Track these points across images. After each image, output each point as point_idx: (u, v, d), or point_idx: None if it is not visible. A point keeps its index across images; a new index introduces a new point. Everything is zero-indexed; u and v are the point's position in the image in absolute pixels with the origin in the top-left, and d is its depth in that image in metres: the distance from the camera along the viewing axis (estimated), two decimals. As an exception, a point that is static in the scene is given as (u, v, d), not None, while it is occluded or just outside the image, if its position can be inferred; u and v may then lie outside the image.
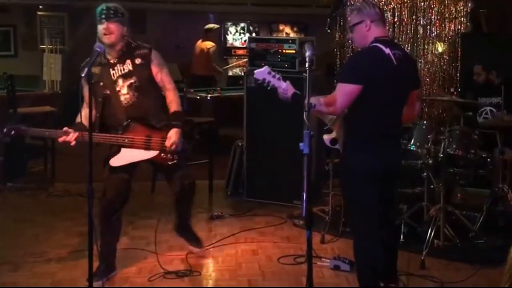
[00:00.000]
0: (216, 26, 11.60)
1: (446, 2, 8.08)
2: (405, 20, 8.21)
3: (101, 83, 4.72)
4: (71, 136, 4.62)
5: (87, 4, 12.25)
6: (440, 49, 8.24)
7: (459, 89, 7.61)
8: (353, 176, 4.19)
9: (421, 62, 8.23)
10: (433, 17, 8.15)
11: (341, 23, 9.13)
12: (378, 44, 4.13)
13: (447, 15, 8.10)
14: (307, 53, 3.84)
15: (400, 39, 8.23)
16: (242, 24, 14.62)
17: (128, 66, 4.73)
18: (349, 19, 4.55)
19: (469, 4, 8.10)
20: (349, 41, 8.95)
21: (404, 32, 8.23)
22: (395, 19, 8.25)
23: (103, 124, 4.75)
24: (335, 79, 8.40)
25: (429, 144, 5.69)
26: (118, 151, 4.73)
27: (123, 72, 4.72)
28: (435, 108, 8.04)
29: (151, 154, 4.73)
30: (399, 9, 8.25)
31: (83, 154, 3.95)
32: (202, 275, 5.06)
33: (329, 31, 10.32)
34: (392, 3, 8.22)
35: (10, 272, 5.09)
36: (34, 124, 4.77)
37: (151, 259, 5.35)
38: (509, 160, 6.10)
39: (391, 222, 4.66)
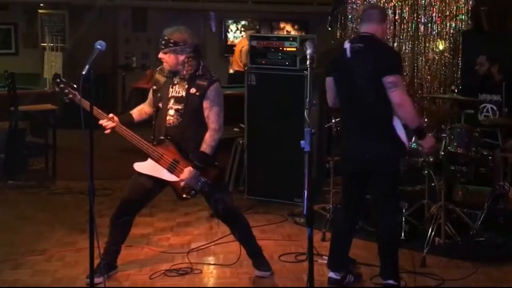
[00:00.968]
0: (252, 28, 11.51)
1: (447, 0, 8.08)
2: (406, 17, 8.22)
3: (159, 94, 4.75)
4: (109, 125, 4.66)
5: (88, 2, 12.28)
6: (441, 47, 8.24)
7: (460, 87, 7.61)
8: None
9: (422, 59, 8.23)
10: (434, 14, 8.15)
11: (342, 21, 9.13)
12: (347, 40, 4.55)
13: (448, 13, 8.10)
14: (308, 51, 3.83)
15: (401, 36, 8.23)
16: (243, 22, 14.61)
17: (182, 91, 4.69)
18: None
19: (470, 2, 8.09)
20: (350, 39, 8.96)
21: (405, 30, 8.23)
22: (396, 17, 8.25)
23: (154, 133, 4.78)
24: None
25: (430, 142, 5.69)
26: (145, 159, 4.75)
27: (177, 94, 4.71)
28: (436, 106, 8.04)
29: (172, 178, 4.71)
30: (400, 7, 8.25)
31: (84, 151, 3.95)
32: (203, 273, 5.06)
33: (330, 29, 10.33)
34: (393, 1, 8.22)
35: (11, 269, 5.09)
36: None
37: (152, 256, 5.36)
38: (510, 158, 6.10)
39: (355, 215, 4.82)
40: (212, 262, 5.30)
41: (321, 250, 5.40)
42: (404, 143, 4.49)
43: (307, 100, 3.75)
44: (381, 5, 8.12)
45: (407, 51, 8.19)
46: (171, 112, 4.70)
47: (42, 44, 11.87)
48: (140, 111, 4.92)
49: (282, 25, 14.83)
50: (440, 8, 8.12)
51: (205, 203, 6.43)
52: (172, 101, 4.71)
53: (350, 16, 8.77)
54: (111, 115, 4.69)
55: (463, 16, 8.04)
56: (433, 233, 5.37)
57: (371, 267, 5.05)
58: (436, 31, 8.15)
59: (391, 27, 8.27)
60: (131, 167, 4.78)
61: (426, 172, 5.75)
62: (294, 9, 14.11)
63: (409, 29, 8.23)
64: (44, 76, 10.34)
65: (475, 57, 7.24)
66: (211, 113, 4.66)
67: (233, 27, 14.61)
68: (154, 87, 4.82)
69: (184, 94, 4.68)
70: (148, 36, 13.72)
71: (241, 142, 7.36)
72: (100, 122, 4.64)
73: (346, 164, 4.71)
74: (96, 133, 3.92)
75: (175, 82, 4.73)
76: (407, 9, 8.20)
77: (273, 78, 6.94)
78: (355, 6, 8.40)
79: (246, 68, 10.75)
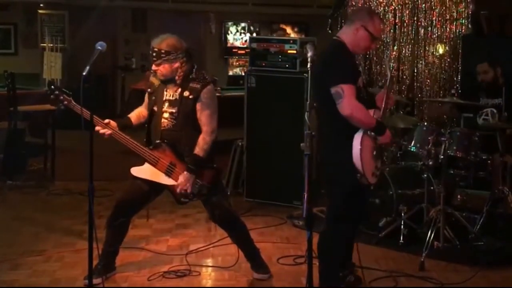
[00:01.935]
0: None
1: (447, 3, 8.07)
2: (406, 21, 8.20)
3: (154, 97, 4.77)
4: (106, 131, 4.65)
5: (88, 3, 12.28)
6: (441, 51, 8.23)
7: (459, 91, 7.61)
8: None
9: (421, 63, 8.23)
10: (434, 18, 8.13)
11: (342, 23, 9.11)
12: None
13: (448, 17, 8.09)
14: (309, 54, 3.82)
15: (401, 40, 8.23)
16: (242, 24, 14.62)
17: (176, 94, 4.70)
18: None
19: (470, 6, 8.09)
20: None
21: (405, 33, 8.22)
22: (396, 20, 8.24)
23: (148, 136, 4.80)
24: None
25: (429, 146, 5.69)
26: (143, 163, 4.73)
27: (170, 98, 4.72)
28: (433, 111, 8.04)
29: (169, 181, 4.70)
30: (400, 10, 8.23)
31: (83, 152, 3.95)
32: (201, 275, 5.06)
33: (330, 31, 10.33)
34: (393, 4, 8.20)
35: (9, 270, 5.08)
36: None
37: (151, 258, 5.36)
38: (510, 162, 6.10)
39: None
40: (211, 264, 5.29)
41: (319, 253, 5.39)
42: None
43: (308, 102, 3.75)
44: (382, 8, 8.12)
45: (407, 54, 8.19)
46: (166, 115, 4.71)
47: (42, 44, 11.86)
48: (138, 115, 4.92)
49: (282, 27, 14.83)
50: (440, 12, 8.11)
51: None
52: (166, 104, 4.71)
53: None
54: (107, 120, 4.67)
55: (463, 20, 8.03)
56: (432, 237, 5.37)
57: (369, 270, 5.04)
58: (436, 34, 8.14)
59: (391, 31, 8.26)
60: (130, 168, 4.78)
61: (425, 175, 5.75)
62: (294, 11, 14.12)
63: (409, 33, 8.22)
64: (43, 77, 10.31)
65: (475, 61, 7.24)
66: (203, 116, 4.66)
67: (233, 29, 14.61)
68: (149, 90, 4.83)
69: (177, 97, 4.68)
70: (148, 37, 13.60)
71: (240, 144, 7.36)
72: (97, 129, 4.62)
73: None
74: (95, 134, 3.92)
75: (170, 86, 4.74)
76: (407, 12, 8.19)
77: (273, 81, 6.94)
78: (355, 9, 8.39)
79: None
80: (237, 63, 14.43)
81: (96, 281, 4.29)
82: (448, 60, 8.19)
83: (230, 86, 11.90)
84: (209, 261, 5.36)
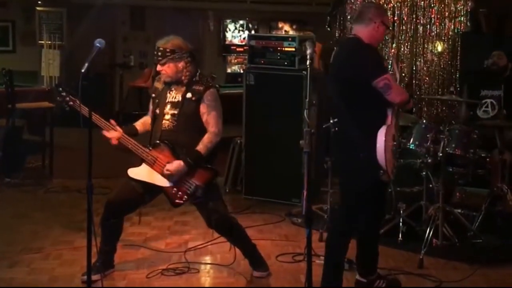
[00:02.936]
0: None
1: (446, 1, 8.07)
2: (405, 18, 8.20)
3: (157, 100, 4.78)
4: (114, 135, 4.63)
5: (86, 0, 12.25)
6: (439, 48, 8.23)
7: (458, 88, 7.61)
8: None
9: (420, 61, 8.23)
10: (433, 16, 8.14)
11: (341, 21, 9.13)
12: None
13: (447, 14, 8.09)
14: (308, 51, 3.82)
15: (399, 38, 8.23)
16: (241, 22, 14.60)
17: (179, 96, 4.71)
18: None
19: (469, 4, 8.09)
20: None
21: (404, 31, 8.22)
22: (395, 18, 8.24)
23: (150, 138, 4.79)
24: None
25: (428, 143, 5.68)
26: (139, 164, 4.72)
27: (173, 100, 4.73)
28: (435, 107, 8.04)
29: (165, 183, 4.69)
30: (399, 8, 8.24)
31: (82, 150, 3.94)
32: (200, 273, 5.05)
33: (329, 29, 10.32)
34: (392, 2, 8.20)
35: (7, 268, 5.08)
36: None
37: (149, 256, 5.35)
38: (509, 160, 6.10)
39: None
40: (209, 262, 5.29)
41: (318, 251, 5.38)
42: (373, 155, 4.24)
43: (307, 100, 3.75)
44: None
45: (405, 52, 8.19)
46: (167, 116, 4.71)
47: (40, 41, 11.83)
48: (144, 123, 4.90)
49: (280, 25, 14.82)
50: (439, 9, 8.11)
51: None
52: (168, 106, 4.72)
53: (349, 17, 8.76)
54: (112, 121, 4.67)
55: (462, 18, 8.04)
56: (430, 235, 5.37)
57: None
58: (435, 32, 8.14)
59: (390, 28, 8.25)
60: (128, 166, 4.77)
61: (424, 173, 5.75)
62: (292, 9, 14.11)
63: (408, 30, 8.22)
64: (41, 74, 10.31)
65: (474, 59, 7.23)
66: (209, 117, 4.68)
67: (231, 26, 14.59)
68: (153, 95, 4.83)
69: (180, 99, 4.69)
70: (146, 35, 13.69)
71: (239, 141, 7.35)
72: (104, 133, 4.61)
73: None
74: (93, 131, 3.90)
75: (173, 88, 4.75)
76: (406, 10, 8.19)
77: (271, 78, 6.93)
78: (354, 7, 8.39)
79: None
80: (236, 61, 14.40)
81: (94, 278, 4.28)
82: (447, 57, 8.19)
83: (229, 84, 11.90)
84: (208, 259, 5.36)
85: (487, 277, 5.00)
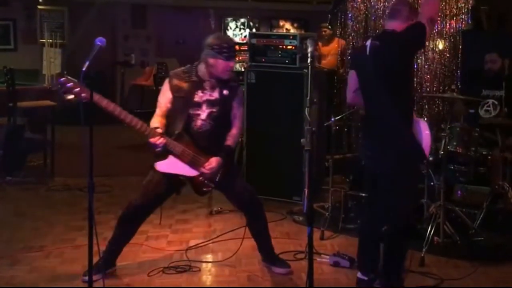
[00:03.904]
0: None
1: (447, -1, 8.05)
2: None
3: (187, 101, 4.67)
4: (160, 141, 4.49)
5: (87, -1, 12.26)
6: (440, 46, 8.21)
7: (459, 86, 7.59)
8: None
9: (421, 59, 8.21)
10: (434, 13, 8.11)
11: (342, 19, 9.11)
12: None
13: (448, 12, 8.07)
14: (309, 49, 3.81)
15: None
16: (242, 20, 14.59)
17: (216, 94, 4.71)
18: None
19: (470, 1, 8.07)
20: (350, 37, 8.94)
21: (405, 29, 8.20)
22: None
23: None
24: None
25: (429, 141, 5.68)
26: (165, 157, 4.65)
27: (211, 98, 4.71)
28: (436, 106, 8.03)
29: (192, 172, 4.69)
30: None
31: (83, 148, 3.93)
32: (201, 271, 5.05)
33: (330, 27, 10.29)
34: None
35: (8, 266, 5.08)
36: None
37: (150, 254, 5.35)
38: (510, 158, 6.10)
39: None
40: (211, 260, 5.29)
41: (320, 249, 5.40)
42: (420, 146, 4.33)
43: (308, 98, 3.74)
44: (381, 3, 8.10)
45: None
46: (203, 116, 4.69)
47: (41, 40, 11.84)
48: (160, 124, 4.65)
49: (281, 23, 14.81)
50: (440, 7, 8.09)
51: (204, 200, 6.49)
52: (205, 105, 4.69)
53: (350, 15, 8.75)
54: (158, 129, 4.52)
55: (463, 16, 8.02)
56: (432, 233, 5.37)
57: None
58: (436, 30, 8.12)
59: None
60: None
61: (425, 171, 5.74)
62: (293, 7, 14.10)
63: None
64: (43, 73, 10.32)
65: (475, 57, 7.23)
66: (239, 112, 4.86)
67: (232, 24, 14.59)
68: (177, 94, 4.67)
69: (218, 96, 4.72)
70: (147, 33, 13.70)
71: (240, 139, 7.34)
72: (153, 140, 4.45)
73: (361, 158, 4.69)
74: (94, 130, 3.90)
75: (206, 86, 4.71)
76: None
77: (272, 76, 6.93)
78: (355, 5, 8.38)
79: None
80: (237, 59, 14.38)
81: (95, 277, 4.28)
82: (448, 55, 8.18)
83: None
84: (209, 257, 5.36)
85: (488, 275, 5.00)
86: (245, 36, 13.96)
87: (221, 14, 14.32)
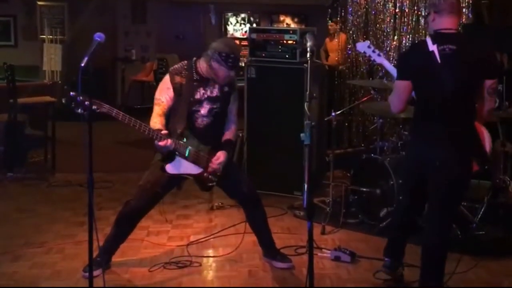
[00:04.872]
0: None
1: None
2: (406, 10, 8.18)
3: (188, 97, 4.64)
4: (168, 143, 4.43)
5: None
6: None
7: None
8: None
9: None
10: (434, 8, 8.09)
11: (342, 13, 9.11)
12: (427, 39, 4.10)
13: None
14: (309, 44, 3.81)
15: (401, 30, 8.20)
16: (242, 15, 14.60)
17: (216, 91, 4.71)
18: None
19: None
20: (350, 32, 8.94)
21: (405, 23, 8.20)
22: (397, 10, 8.22)
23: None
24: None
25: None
26: (173, 159, 4.62)
27: (211, 95, 4.71)
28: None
29: (198, 170, 4.69)
30: (400, 0, 8.21)
31: (83, 144, 3.93)
32: (202, 266, 5.06)
33: (330, 21, 10.29)
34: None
35: (10, 262, 5.09)
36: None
37: (151, 249, 5.36)
38: (510, 151, 6.08)
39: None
40: (212, 255, 5.29)
41: (320, 244, 5.40)
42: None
43: (307, 92, 3.74)
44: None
45: (407, 44, 8.16)
46: (203, 112, 4.68)
47: (41, 36, 11.83)
48: (161, 125, 4.59)
49: (281, 18, 14.81)
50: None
51: (204, 195, 6.49)
52: (206, 102, 4.69)
53: (350, 9, 8.75)
54: (164, 131, 4.46)
55: (464, 10, 8.00)
56: (433, 227, 5.35)
57: (371, 260, 5.05)
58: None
59: (391, 20, 8.24)
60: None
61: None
62: (294, 2, 14.10)
63: (410, 23, 8.19)
64: (43, 69, 10.31)
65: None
66: (234, 106, 4.89)
67: (232, 19, 14.59)
68: (178, 91, 4.63)
69: (218, 93, 4.72)
70: (147, 29, 13.69)
71: (240, 135, 7.34)
72: (162, 143, 4.40)
73: (413, 159, 4.40)
74: (94, 125, 3.89)
75: (207, 83, 4.70)
76: (407, 2, 8.16)
77: (273, 71, 6.92)
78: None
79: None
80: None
81: (96, 272, 4.28)
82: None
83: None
84: (210, 252, 5.36)
85: (489, 269, 5.00)
86: (245, 31, 13.97)
87: (222, 9, 14.33)
